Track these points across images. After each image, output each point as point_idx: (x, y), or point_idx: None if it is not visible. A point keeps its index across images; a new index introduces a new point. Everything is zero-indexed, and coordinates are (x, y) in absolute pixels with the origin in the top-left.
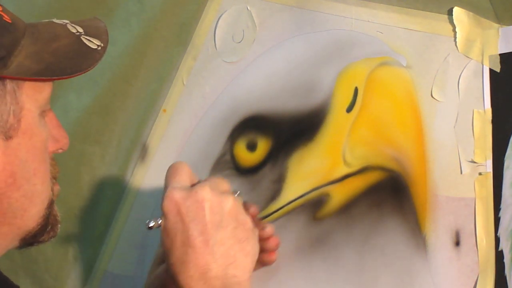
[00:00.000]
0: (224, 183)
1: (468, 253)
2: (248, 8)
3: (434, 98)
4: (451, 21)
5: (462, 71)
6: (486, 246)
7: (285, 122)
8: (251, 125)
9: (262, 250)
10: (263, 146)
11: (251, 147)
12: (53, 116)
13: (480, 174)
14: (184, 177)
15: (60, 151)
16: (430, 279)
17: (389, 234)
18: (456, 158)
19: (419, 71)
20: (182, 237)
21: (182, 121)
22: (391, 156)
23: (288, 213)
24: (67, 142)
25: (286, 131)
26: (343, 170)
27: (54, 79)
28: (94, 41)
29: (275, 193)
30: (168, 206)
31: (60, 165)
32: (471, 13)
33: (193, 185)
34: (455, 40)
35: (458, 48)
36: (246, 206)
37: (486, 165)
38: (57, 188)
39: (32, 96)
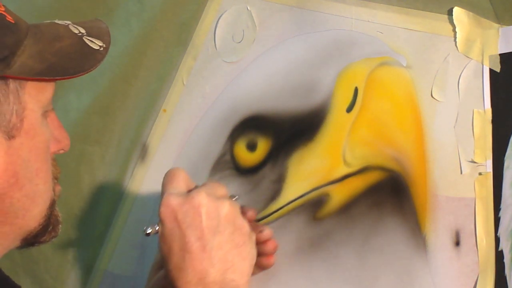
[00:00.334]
0: (220, 188)
1: (468, 253)
2: (248, 8)
3: (434, 98)
4: (451, 21)
5: (462, 71)
6: (486, 246)
7: (285, 122)
8: (251, 125)
9: (260, 254)
10: (263, 146)
11: (251, 147)
12: (55, 117)
13: (480, 174)
14: (180, 183)
15: (61, 151)
16: (430, 279)
17: (389, 234)
18: (456, 158)
19: (419, 71)
20: (179, 243)
21: (182, 121)
22: (391, 156)
23: (288, 213)
24: (68, 143)
25: (286, 131)
26: (343, 170)
27: (57, 79)
28: (96, 42)
29: (275, 193)
30: (165, 212)
31: (60, 166)
32: (471, 13)
33: (189, 191)
34: (455, 40)
35: (458, 48)
36: (243, 210)
37: (486, 165)
38: (58, 188)
39: (35, 96)
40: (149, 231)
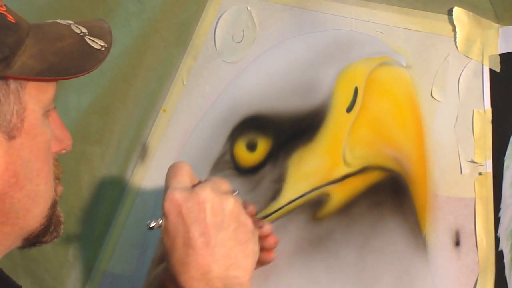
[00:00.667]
0: (224, 184)
1: (468, 253)
2: (248, 8)
3: (434, 98)
4: (451, 21)
5: (462, 71)
6: (486, 246)
7: (285, 122)
8: (251, 125)
9: (261, 249)
10: (263, 146)
11: (251, 147)
12: (57, 116)
13: (480, 174)
14: (185, 178)
15: (63, 151)
16: (430, 279)
17: (389, 234)
18: (456, 158)
19: (419, 71)
20: (183, 238)
21: (182, 121)
22: (391, 156)
23: (288, 213)
24: (70, 143)
25: (286, 131)
26: (343, 170)
27: (58, 79)
28: (98, 42)
29: (275, 193)
30: (169, 207)
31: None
32: (471, 13)
33: (194, 186)
34: (455, 40)
35: (458, 48)
36: (244, 205)
37: (486, 165)
38: (60, 188)
39: (36, 96)
40: (152, 225)
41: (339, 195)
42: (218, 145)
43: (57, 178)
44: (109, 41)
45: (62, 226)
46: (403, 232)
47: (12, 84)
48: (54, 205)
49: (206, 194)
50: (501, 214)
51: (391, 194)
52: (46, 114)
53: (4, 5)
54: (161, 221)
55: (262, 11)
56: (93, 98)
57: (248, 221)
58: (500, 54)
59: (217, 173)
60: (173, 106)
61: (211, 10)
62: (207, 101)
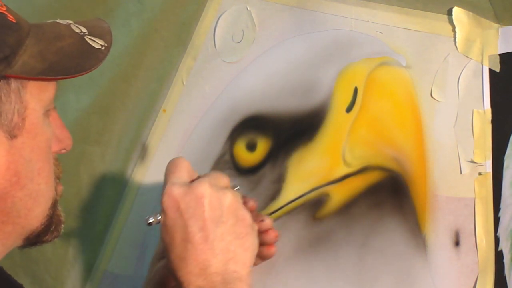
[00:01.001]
0: (223, 178)
1: (468, 253)
2: (248, 8)
3: (434, 98)
4: (450, 21)
5: (462, 71)
6: (485, 246)
7: (285, 122)
8: (251, 125)
9: (261, 244)
10: (263, 146)
11: (251, 147)
12: (57, 116)
13: (479, 174)
14: (183, 173)
15: (63, 151)
16: (430, 279)
17: (389, 234)
18: (456, 158)
19: (419, 71)
20: (181, 233)
21: (182, 121)
22: (391, 156)
23: (288, 213)
24: (70, 142)
25: (286, 131)
26: (343, 170)
27: (58, 79)
28: (97, 41)
29: (275, 193)
30: (168, 202)
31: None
32: (471, 13)
33: (192, 181)
34: (454, 40)
35: (458, 48)
36: (244, 200)
37: (485, 165)
38: (60, 188)
39: (37, 96)
40: (151, 220)
41: (339, 195)
42: (218, 145)
43: (57, 178)
44: (109, 40)
45: (62, 225)
46: (403, 232)
47: (13, 84)
48: (55, 205)
49: (204, 189)
50: (500, 214)
51: (391, 194)
52: (46, 113)
53: (5, 5)
54: (159, 216)
55: (262, 11)
56: (92, 98)
57: (247, 215)
58: (499, 54)
59: None
60: (173, 106)
61: (211, 10)
62: (207, 101)
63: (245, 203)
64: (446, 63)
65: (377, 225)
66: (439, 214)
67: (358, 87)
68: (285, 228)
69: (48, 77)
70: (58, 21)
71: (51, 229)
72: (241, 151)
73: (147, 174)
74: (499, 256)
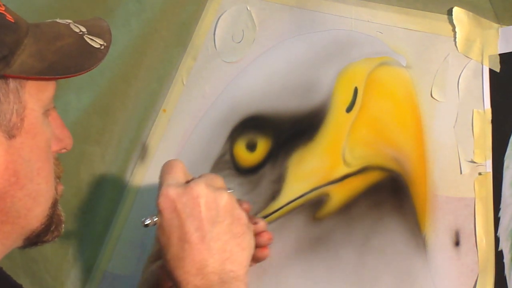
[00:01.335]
0: (218, 179)
1: (468, 253)
2: (248, 8)
3: (434, 98)
4: (450, 21)
5: (462, 71)
6: (485, 246)
7: (285, 122)
8: (251, 125)
9: (255, 246)
10: (262, 146)
11: (251, 147)
12: (57, 115)
13: (479, 174)
14: (179, 174)
15: (63, 151)
16: (430, 279)
17: (389, 234)
18: (456, 158)
19: (419, 71)
20: (178, 234)
21: (182, 121)
22: (391, 156)
23: (288, 213)
24: (70, 142)
25: (286, 131)
26: (343, 170)
27: (57, 78)
28: (97, 41)
29: (275, 193)
30: (164, 203)
31: None
32: (471, 13)
33: (188, 182)
34: (455, 40)
35: (458, 48)
36: (239, 203)
37: (485, 165)
38: (60, 188)
39: (35, 95)
40: (147, 222)
41: (339, 195)
42: (218, 145)
43: (57, 177)
44: (108, 39)
45: (63, 225)
46: (403, 232)
47: (12, 83)
48: (55, 204)
49: (200, 189)
50: (500, 214)
51: (391, 194)
52: (46, 113)
53: (3, 4)
54: (156, 218)
55: (262, 11)
56: (93, 98)
57: (243, 215)
58: (500, 54)
59: (217, 173)
60: (173, 106)
61: (211, 10)
62: (207, 101)
63: (239, 205)
64: (446, 63)
65: (377, 225)
66: (439, 214)
67: (358, 87)
68: (285, 228)
69: (47, 77)
70: (57, 20)
71: (51, 229)
72: (241, 151)
73: (147, 174)
74: (499, 256)
